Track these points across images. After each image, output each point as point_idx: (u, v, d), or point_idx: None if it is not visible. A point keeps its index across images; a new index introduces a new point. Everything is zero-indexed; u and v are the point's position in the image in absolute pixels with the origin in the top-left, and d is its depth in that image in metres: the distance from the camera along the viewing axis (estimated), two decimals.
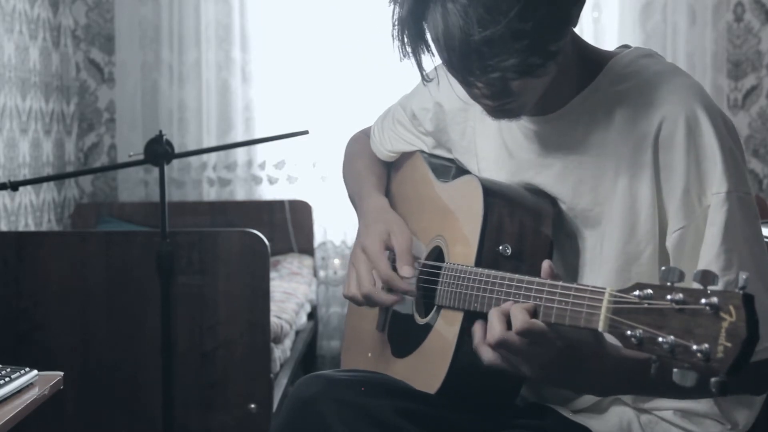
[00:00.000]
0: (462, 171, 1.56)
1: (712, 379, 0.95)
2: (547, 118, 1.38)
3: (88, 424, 2.63)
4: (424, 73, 1.34)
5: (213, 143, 4.09)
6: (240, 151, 4.18)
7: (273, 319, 2.83)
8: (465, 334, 1.33)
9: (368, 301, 1.50)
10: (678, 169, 1.28)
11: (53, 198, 3.94)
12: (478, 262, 1.34)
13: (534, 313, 1.16)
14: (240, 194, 4.19)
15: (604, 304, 1.07)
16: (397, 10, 1.27)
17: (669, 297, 1.00)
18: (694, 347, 0.96)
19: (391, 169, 1.74)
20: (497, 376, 1.28)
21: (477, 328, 1.23)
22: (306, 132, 2.64)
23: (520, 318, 1.15)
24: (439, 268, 1.43)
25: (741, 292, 0.95)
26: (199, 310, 2.61)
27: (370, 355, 1.63)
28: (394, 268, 1.47)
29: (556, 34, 1.22)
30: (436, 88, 1.47)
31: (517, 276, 1.22)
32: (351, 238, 4.16)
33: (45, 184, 3.82)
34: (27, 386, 1.50)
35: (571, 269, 1.39)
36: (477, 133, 1.52)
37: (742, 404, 1.34)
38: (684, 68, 1.48)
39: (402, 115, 1.68)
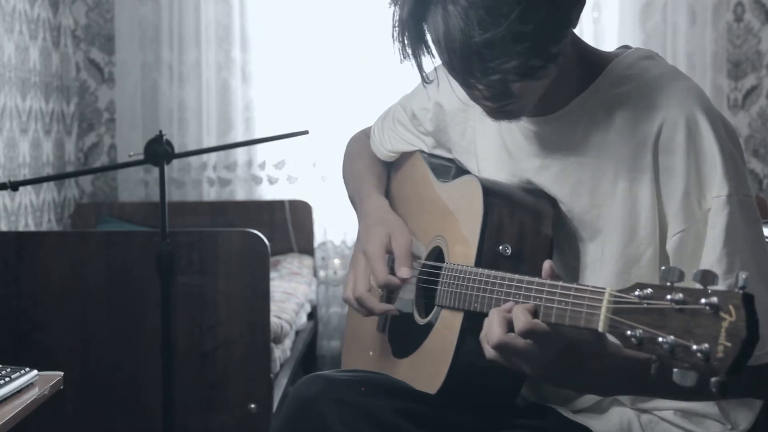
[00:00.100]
0: (462, 171, 1.56)
1: (713, 379, 0.95)
2: (547, 119, 1.38)
3: (88, 424, 2.63)
4: (424, 75, 1.34)
5: (213, 143, 4.09)
6: (240, 151, 4.18)
7: (273, 319, 2.83)
8: (465, 334, 1.33)
9: (361, 305, 1.51)
10: (678, 172, 1.28)
11: (53, 198, 3.94)
12: (478, 262, 1.35)
13: (535, 314, 1.16)
14: (240, 194, 4.19)
15: (604, 304, 1.07)
16: (397, 11, 1.27)
17: (669, 297, 1.00)
18: (694, 347, 0.96)
19: (391, 169, 1.74)
20: (497, 376, 1.28)
21: (486, 322, 1.22)
22: (306, 132, 2.64)
23: (522, 319, 1.15)
24: (439, 268, 1.43)
25: (741, 291, 0.95)
26: (199, 310, 2.61)
27: (370, 354, 1.63)
28: (394, 272, 1.47)
29: (556, 36, 1.22)
30: (436, 89, 1.47)
31: (517, 276, 1.22)
32: (351, 238, 4.16)
33: (45, 184, 3.82)
34: (27, 386, 1.50)
35: (571, 271, 1.39)
36: (477, 133, 1.52)
37: (742, 404, 1.34)
38: (684, 68, 1.48)
39: (402, 115, 1.68)
